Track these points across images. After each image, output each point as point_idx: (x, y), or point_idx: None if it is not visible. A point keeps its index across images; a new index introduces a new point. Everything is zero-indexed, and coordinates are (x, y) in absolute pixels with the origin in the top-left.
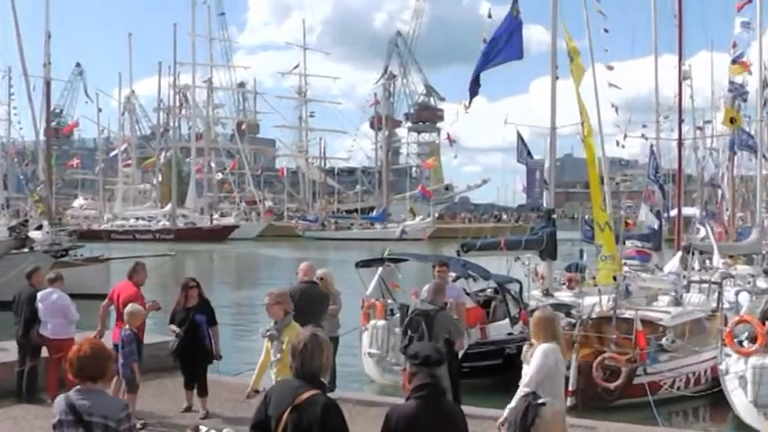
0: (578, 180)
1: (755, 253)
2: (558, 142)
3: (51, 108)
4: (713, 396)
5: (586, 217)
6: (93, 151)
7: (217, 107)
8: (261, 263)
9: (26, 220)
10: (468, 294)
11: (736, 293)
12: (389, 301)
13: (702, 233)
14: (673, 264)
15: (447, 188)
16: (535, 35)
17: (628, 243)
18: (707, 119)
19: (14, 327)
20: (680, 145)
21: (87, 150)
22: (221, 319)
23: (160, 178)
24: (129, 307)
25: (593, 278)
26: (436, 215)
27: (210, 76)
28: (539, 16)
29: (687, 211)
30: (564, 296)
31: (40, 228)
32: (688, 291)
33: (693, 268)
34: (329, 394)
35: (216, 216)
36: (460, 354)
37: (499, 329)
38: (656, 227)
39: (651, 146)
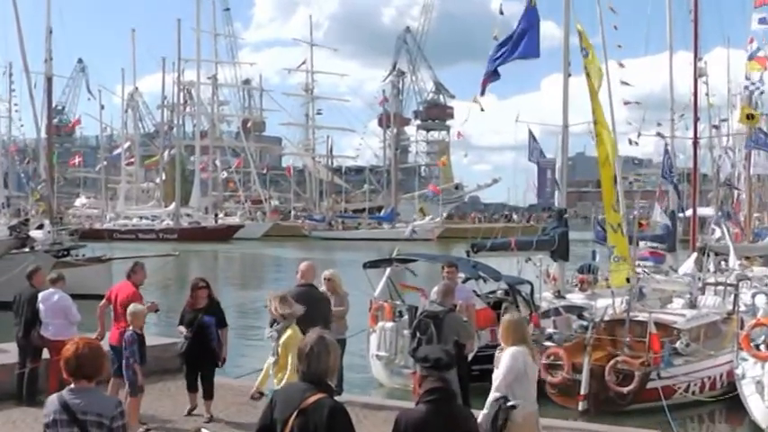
0: (590, 179)
1: None
2: (570, 140)
3: (53, 105)
4: (729, 401)
5: (599, 217)
6: (95, 149)
7: (222, 104)
8: (266, 263)
9: (27, 220)
10: (478, 296)
11: (753, 296)
12: (398, 302)
13: (718, 234)
14: (687, 265)
15: (457, 187)
16: (546, 31)
17: (641, 244)
18: (723, 117)
19: (15, 328)
20: (695, 144)
21: (89, 148)
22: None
23: (164, 177)
24: (132, 307)
25: (606, 280)
26: (445, 215)
27: (215, 73)
28: (550, 12)
29: (702, 211)
30: (576, 298)
31: (41, 227)
32: (703, 293)
33: (709, 270)
34: (336, 398)
35: (220, 215)
36: (470, 356)
37: None
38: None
39: (666, 144)
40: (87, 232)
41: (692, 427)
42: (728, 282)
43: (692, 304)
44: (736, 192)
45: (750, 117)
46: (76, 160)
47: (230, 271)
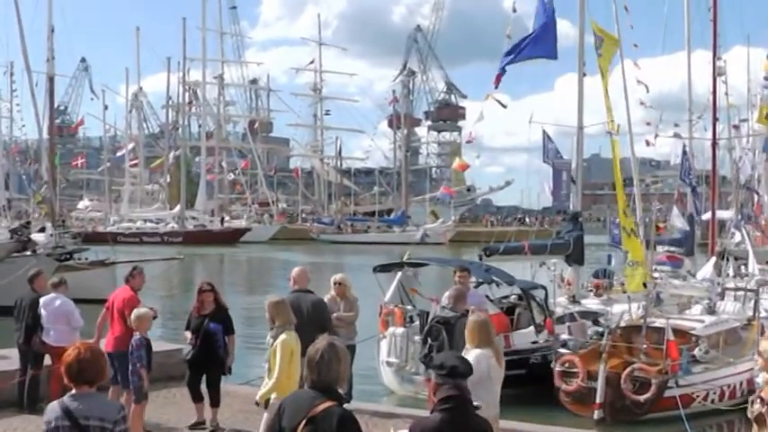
0: (606, 181)
1: None
2: (585, 142)
3: (55, 105)
4: None
5: (615, 220)
6: (98, 150)
7: (228, 104)
8: (273, 267)
9: (28, 222)
10: (491, 301)
11: None
12: (409, 307)
13: (738, 238)
14: (706, 270)
15: (469, 190)
16: (561, 30)
17: (658, 248)
18: (743, 117)
19: (15, 333)
20: (714, 145)
21: (93, 149)
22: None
23: (169, 179)
24: (137, 311)
25: (622, 285)
26: (457, 218)
27: (221, 73)
28: (564, 10)
29: (722, 214)
30: (591, 303)
31: (43, 230)
32: (722, 298)
33: (728, 275)
34: (345, 405)
35: (227, 218)
36: None
37: (523, 338)
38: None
39: (684, 146)
40: (90, 235)
41: None
42: (748, 287)
43: (711, 310)
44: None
45: None
46: (79, 161)
47: (237, 275)
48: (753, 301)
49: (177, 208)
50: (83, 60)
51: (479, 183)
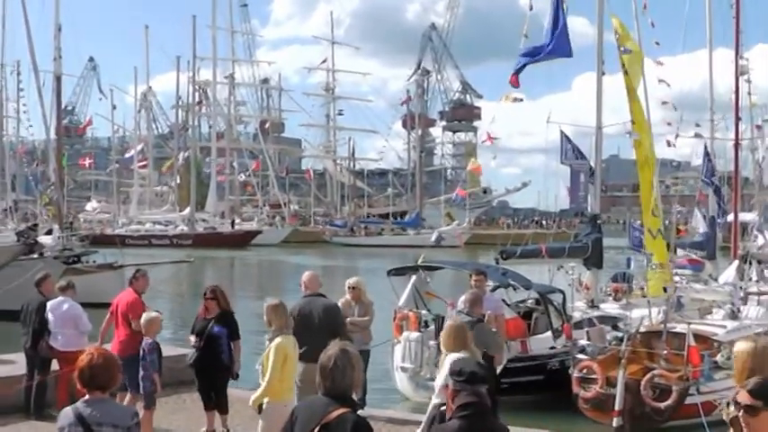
0: (625, 183)
1: None
2: (604, 142)
3: (63, 105)
4: None
5: (636, 222)
6: (107, 151)
7: (239, 104)
8: (285, 271)
9: (35, 224)
10: (507, 305)
11: None
12: (423, 311)
13: (761, 241)
14: (728, 274)
15: (485, 191)
16: (579, 28)
17: (679, 251)
18: (766, 117)
19: (22, 338)
20: (736, 145)
21: (101, 150)
22: (242, 330)
23: (178, 180)
24: (146, 314)
25: (642, 289)
26: (473, 220)
27: (232, 72)
28: (582, 8)
29: (744, 216)
30: (610, 308)
31: (50, 232)
32: (745, 303)
33: (751, 279)
34: (359, 411)
35: (237, 220)
36: (499, 369)
37: (541, 343)
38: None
39: (705, 146)
40: (98, 238)
41: None
42: None
43: (734, 315)
44: None
45: None
46: (87, 162)
47: (247, 279)
48: None
49: (187, 210)
50: (91, 59)
51: (495, 184)
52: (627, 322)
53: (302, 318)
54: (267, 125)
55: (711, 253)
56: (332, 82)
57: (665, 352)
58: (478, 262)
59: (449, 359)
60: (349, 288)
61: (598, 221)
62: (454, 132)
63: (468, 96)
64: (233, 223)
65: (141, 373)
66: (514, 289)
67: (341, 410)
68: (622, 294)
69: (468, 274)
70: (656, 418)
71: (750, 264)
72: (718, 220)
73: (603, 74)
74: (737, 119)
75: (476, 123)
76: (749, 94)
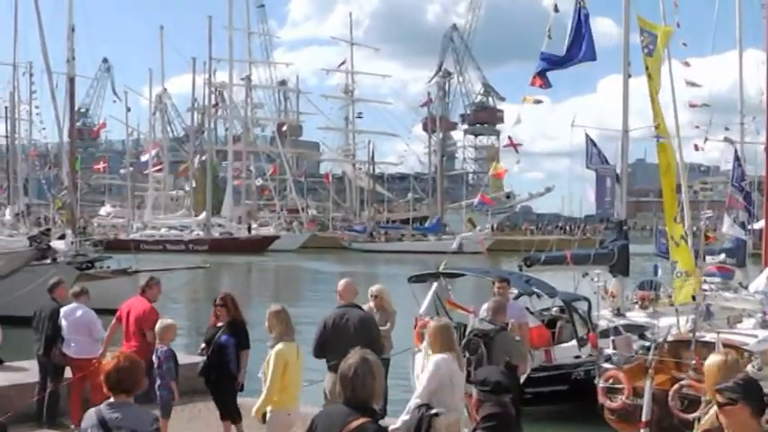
0: (651, 188)
1: None
2: (630, 146)
3: (76, 107)
4: None
5: (661, 229)
6: (121, 154)
7: (256, 107)
8: (303, 277)
9: (48, 229)
10: (531, 313)
11: None
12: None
13: None
14: (759, 282)
15: (508, 196)
16: (604, 28)
17: (708, 258)
18: None
19: (35, 345)
20: None
21: (115, 153)
22: (258, 337)
23: (194, 184)
24: (161, 322)
25: (670, 297)
26: (495, 226)
27: (249, 74)
28: (607, 8)
29: None
30: (637, 316)
31: (63, 237)
32: None
33: None
34: (379, 421)
35: (254, 226)
36: (523, 379)
37: (565, 352)
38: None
39: (735, 150)
40: (112, 243)
41: None
42: None
43: (765, 324)
44: None
45: None
46: (101, 166)
47: (264, 285)
48: None
49: (203, 215)
50: (105, 61)
51: (519, 189)
52: (654, 331)
53: (336, 328)
54: (285, 128)
55: (741, 260)
56: (351, 84)
57: (694, 362)
58: (501, 269)
59: (432, 360)
60: (372, 296)
61: (624, 227)
62: (476, 136)
63: (490, 99)
64: (249, 228)
65: (158, 381)
66: (538, 297)
67: (361, 420)
68: (649, 302)
69: (490, 281)
70: (684, 429)
71: None
72: (748, 227)
73: (630, 76)
74: None
75: (498, 127)
76: None
